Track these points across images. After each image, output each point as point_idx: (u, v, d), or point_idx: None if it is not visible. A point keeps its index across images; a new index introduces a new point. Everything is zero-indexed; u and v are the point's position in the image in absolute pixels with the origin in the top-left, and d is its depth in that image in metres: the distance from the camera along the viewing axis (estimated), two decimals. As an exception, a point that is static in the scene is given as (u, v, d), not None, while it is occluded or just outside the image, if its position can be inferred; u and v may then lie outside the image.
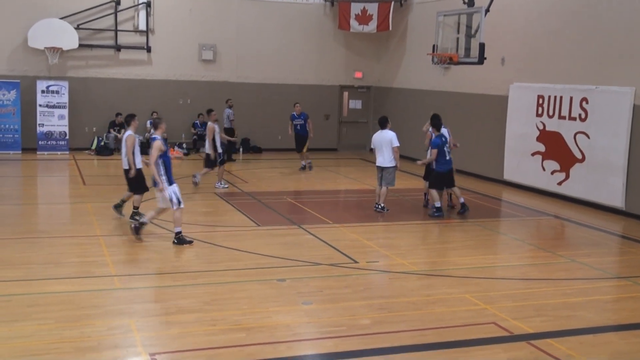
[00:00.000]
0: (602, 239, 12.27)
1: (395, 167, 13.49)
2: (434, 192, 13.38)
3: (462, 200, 13.55)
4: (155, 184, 10.49)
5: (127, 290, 8.58)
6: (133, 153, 11.74)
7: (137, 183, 11.95)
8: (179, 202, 10.56)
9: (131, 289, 8.63)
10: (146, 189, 12.03)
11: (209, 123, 15.63)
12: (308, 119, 18.88)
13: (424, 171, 14.25)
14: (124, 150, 11.82)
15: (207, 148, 15.57)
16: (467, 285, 9.12)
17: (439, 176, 13.36)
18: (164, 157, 10.43)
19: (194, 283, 8.83)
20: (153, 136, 10.61)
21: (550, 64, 16.02)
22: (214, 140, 15.39)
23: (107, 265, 9.57)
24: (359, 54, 23.92)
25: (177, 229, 10.61)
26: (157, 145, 10.33)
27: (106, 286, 8.66)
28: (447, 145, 13.37)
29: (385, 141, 13.44)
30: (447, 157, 13.33)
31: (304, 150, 18.82)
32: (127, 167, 11.84)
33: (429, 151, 13.82)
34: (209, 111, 16.09)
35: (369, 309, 8.06)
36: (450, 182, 13.55)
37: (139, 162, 11.84)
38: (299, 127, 18.88)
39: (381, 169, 13.59)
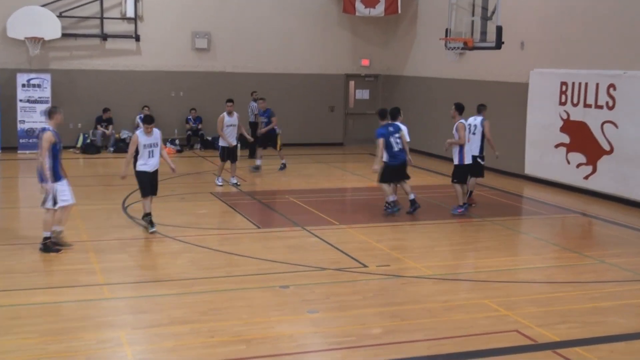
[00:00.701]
0: (633, 237, 12.23)
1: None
2: (385, 186, 13.29)
3: (412, 197, 13.30)
4: (41, 179, 10.20)
5: (117, 300, 8.58)
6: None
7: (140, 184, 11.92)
8: (54, 203, 10.23)
9: (121, 299, 8.63)
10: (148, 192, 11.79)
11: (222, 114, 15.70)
12: (273, 117, 18.43)
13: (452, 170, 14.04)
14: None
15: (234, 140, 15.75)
16: (486, 290, 9.10)
17: (389, 170, 13.18)
18: (53, 150, 10.24)
19: (190, 291, 8.82)
20: (44, 127, 10.40)
21: (574, 47, 15.96)
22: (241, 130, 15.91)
23: (95, 273, 9.57)
24: (365, 39, 23.89)
25: (46, 234, 10.30)
26: (47, 136, 10.13)
27: (94, 296, 8.64)
28: (395, 135, 13.14)
29: (395, 134, 13.38)
30: (396, 149, 13.13)
31: (278, 148, 18.46)
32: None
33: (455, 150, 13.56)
34: (227, 101, 16.09)
35: (380, 317, 8.04)
36: (402, 175, 13.33)
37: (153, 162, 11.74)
38: (263, 125, 18.60)
39: (391, 165, 13.55)
